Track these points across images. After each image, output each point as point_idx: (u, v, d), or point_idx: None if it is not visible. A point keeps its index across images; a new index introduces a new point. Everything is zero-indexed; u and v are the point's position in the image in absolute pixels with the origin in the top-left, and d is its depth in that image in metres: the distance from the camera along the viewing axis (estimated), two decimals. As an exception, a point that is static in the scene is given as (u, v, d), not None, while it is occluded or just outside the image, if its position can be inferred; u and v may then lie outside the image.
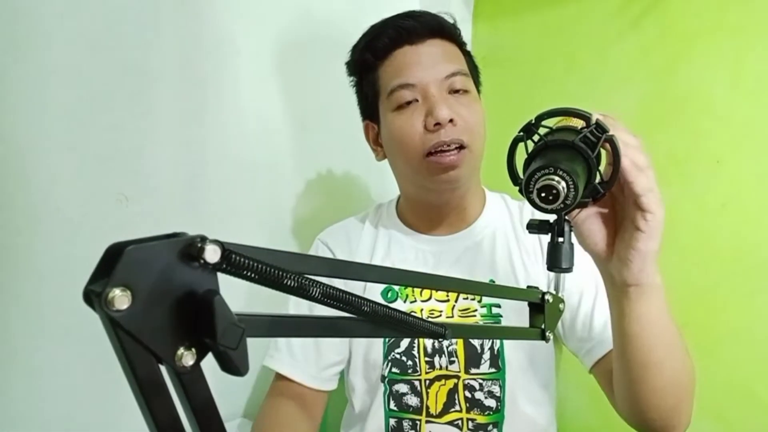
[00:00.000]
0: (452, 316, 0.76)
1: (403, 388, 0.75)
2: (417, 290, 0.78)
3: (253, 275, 0.26)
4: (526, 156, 0.45)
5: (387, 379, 0.76)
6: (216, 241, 0.25)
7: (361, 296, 0.31)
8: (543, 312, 0.50)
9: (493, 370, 0.73)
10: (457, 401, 0.74)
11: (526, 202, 0.42)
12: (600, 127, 0.43)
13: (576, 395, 1.08)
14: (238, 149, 0.94)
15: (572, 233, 0.48)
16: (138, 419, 0.24)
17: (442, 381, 0.74)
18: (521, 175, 0.44)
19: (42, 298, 0.70)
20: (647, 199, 0.46)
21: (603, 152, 0.45)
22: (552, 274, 0.50)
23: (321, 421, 0.82)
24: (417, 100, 0.73)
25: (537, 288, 0.51)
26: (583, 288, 0.73)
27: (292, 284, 0.27)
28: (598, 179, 0.46)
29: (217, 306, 0.24)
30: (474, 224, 0.82)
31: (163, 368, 0.24)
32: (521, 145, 0.47)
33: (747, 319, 1.01)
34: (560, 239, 0.47)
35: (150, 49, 0.81)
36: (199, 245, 0.24)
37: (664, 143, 1.07)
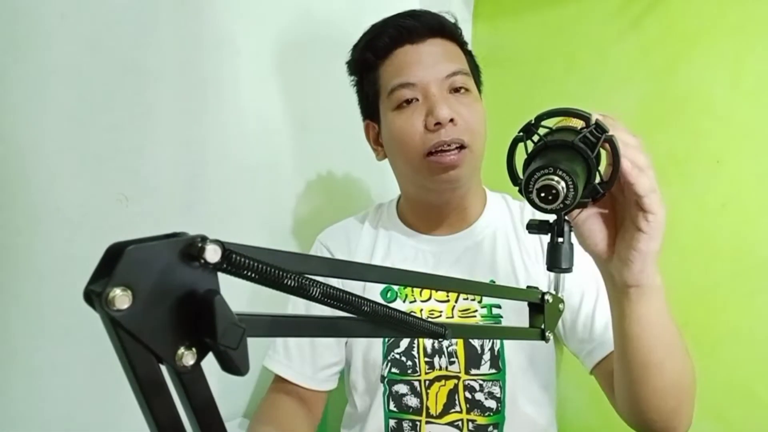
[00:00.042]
0: (452, 317, 0.76)
1: (402, 388, 0.75)
2: (417, 290, 0.78)
3: (253, 275, 0.26)
4: (525, 156, 0.45)
5: (386, 380, 0.76)
6: (216, 241, 0.25)
7: (361, 296, 0.31)
8: (543, 312, 0.50)
9: (493, 370, 0.73)
10: (457, 402, 0.74)
11: (527, 203, 0.42)
12: (599, 128, 0.43)
13: (576, 396, 1.08)
14: (238, 149, 0.94)
15: (572, 233, 0.48)
16: (138, 419, 0.24)
17: (442, 381, 0.74)
18: (521, 175, 0.44)
19: (42, 298, 0.70)
20: (649, 199, 0.45)
21: (603, 152, 0.45)
22: (552, 274, 0.50)
23: (321, 420, 0.82)
24: (417, 100, 0.73)
25: (537, 288, 0.51)
26: (585, 289, 0.72)
27: (293, 284, 0.27)
28: (597, 179, 0.46)
29: (217, 306, 0.24)
30: (474, 224, 0.81)
31: (163, 368, 0.24)
32: (521, 145, 0.47)
33: (747, 319, 1.01)
34: (560, 239, 0.47)
35: (150, 49, 0.81)
36: (200, 245, 0.24)
37: (664, 143, 1.07)
